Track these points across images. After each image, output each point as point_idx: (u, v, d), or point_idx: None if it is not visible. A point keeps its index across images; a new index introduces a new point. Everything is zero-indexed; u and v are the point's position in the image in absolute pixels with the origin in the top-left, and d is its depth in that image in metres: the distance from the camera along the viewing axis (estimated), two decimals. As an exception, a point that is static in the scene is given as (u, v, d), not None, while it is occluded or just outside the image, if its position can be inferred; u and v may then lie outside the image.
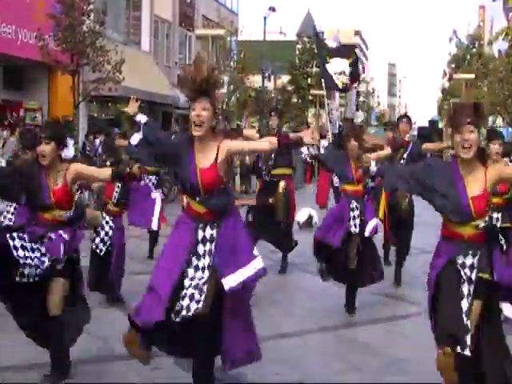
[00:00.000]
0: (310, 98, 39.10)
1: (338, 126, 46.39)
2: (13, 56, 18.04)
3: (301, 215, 13.19)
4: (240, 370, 5.24)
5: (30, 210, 5.42)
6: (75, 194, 5.32)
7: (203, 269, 4.44)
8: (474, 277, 4.27)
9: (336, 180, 11.33)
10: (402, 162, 8.73)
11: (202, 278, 4.38)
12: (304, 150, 31.16)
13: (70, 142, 18.70)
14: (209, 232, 4.48)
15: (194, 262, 4.46)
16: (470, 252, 4.30)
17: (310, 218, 13.65)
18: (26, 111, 19.19)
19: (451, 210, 4.29)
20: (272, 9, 32.73)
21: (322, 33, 47.62)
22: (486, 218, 4.33)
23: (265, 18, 32.93)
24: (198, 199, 4.49)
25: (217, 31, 23.07)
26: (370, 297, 7.91)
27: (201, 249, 4.47)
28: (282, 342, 6.12)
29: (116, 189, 7.58)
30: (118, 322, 6.80)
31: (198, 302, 4.28)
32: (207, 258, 4.45)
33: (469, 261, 4.30)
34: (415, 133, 29.49)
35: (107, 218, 7.54)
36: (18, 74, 19.90)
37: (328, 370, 5.67)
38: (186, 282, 4.37)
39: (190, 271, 4.41)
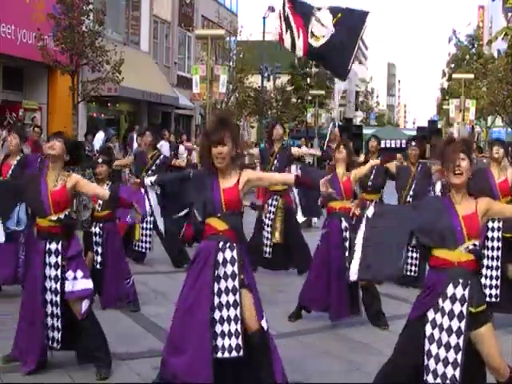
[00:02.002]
0: (310, 98, 39.10)
1: (337, 125, 46.39)
2: (12, 56, 18.03)
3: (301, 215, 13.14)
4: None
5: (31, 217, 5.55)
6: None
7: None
8: (465, 311, 4.13)
9: None
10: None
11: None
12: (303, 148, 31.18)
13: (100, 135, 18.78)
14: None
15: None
16: (461, 281, 4.16)
17: (310, 217, 13.62)
18: (25, 111, 19.16)
19: (441, 232, 4.21)
20: (271, 9, 32.69)
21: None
22: (477, 243, 4.21)
23: (264, 19, 32.93)
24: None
25: (216, 31, 23.00)
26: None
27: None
28: (282, 342, 6.11)
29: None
30: (118, 322, 6.81)
31: None
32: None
33: (459, 292, 4.16)
34: (414, 132, 29.54)
35: (96, 229, 7.27)
36: (18, 74, 19.89)
37: (328, 369, 5.68)
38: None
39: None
